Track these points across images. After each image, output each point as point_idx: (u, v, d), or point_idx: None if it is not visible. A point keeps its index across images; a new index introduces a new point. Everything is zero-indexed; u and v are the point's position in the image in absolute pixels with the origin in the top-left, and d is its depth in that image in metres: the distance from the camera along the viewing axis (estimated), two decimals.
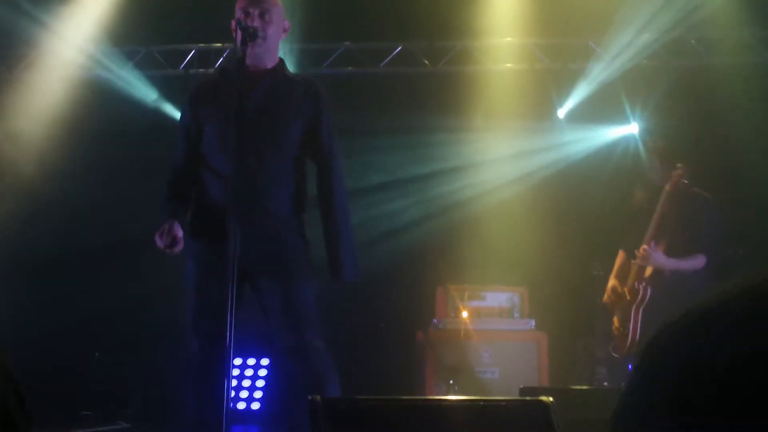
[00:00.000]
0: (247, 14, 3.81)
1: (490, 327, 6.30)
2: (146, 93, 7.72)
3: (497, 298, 6.49)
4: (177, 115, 7.56)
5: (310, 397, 2.80)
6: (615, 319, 5.47)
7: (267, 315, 3.91)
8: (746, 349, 0.70)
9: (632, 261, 5.36)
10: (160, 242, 3.73)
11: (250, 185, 3.67)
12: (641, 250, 5.20)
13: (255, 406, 6.36)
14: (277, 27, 3.89)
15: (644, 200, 5.53)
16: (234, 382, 5.84)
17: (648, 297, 5.23)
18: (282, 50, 7.46)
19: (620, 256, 5.65)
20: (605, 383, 6.09)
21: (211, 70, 7.49)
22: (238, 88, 3.58)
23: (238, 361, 6.21)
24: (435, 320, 6.37)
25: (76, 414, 6.48)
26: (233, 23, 3.82)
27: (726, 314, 0.73)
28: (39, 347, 6.66)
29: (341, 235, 3.89)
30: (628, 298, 5.32)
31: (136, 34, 7.55)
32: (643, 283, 5.27)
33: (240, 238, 3.43)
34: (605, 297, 5.55)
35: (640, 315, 5.27)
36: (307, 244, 3.94)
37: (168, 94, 7.72)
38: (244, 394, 6.35)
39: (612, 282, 5.54)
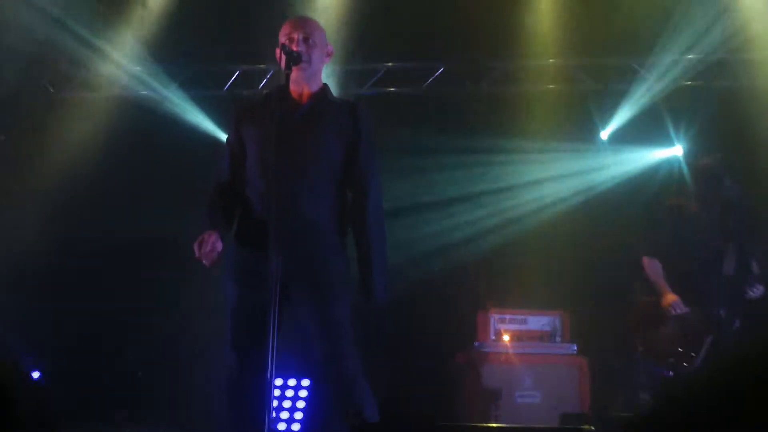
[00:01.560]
0: (291, 39, 3.86)
1: (532, 351, 6.26)
2: (191, 113, 7.80)
3: (538, 321, 6.45)
4: (220, 135, 7.65)
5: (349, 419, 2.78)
6: (664, 332, 5.30)
7: (304, 333, 3.92)
8: None
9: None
10: (198, 251, 3.74)
11: (293, 205, 3.71)
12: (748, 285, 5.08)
13: (295, 427, 6.36)
14: (320, 51, 3.93)
15: (701, 212, 5.33)
16: (274, 403, 5.84)
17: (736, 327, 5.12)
18: (325, 71, 7.56)
19: (656, 265, 5.41)
20: None
21: (255, 91, 7.57)
22: (281, 111, 3.63)
23: (278, 382, 6.22)
24: (476, 343, 6.34)
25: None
26: (277, 51, 3.86)
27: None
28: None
29: (373, 259, 3.86)
30: (699, 321, 5.19)
31: (182, 54, 7.64)
32: (724, 310, 5.15)
33: (281, 256, 3.44)
34: (669, 306, 5.28)
35: (708, 341, 5.16)
36: (348, 263, 3.94)
37: (212, 115, 7.79)
38: (284, 415, 6.35)
39: (673, 297, 5.29)
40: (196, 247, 3.73)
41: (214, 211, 3.89)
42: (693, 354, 5.15)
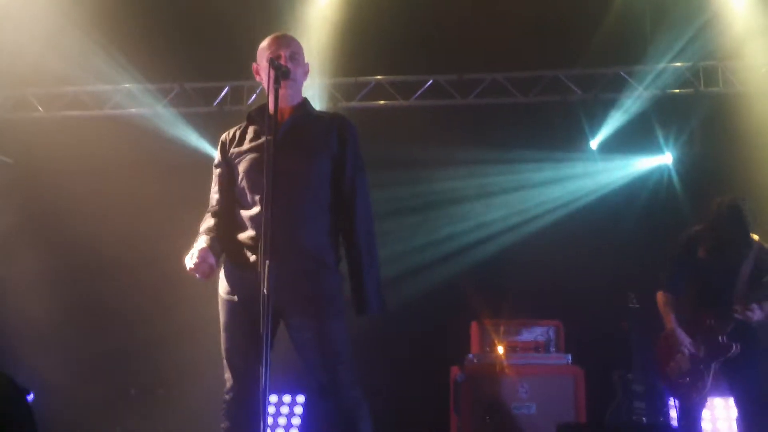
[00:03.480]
0: (277, 57, 3.85)
1: (526, 362, 6.24)
2: (181, 129, 7.80)
3: (533, 332, 6.43)
4: (210, 150, 7.66)
5: None
6: (674, 365, 5.33)
7: (300, 352, 3.91)
8: None
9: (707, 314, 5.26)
10: (189, 263, 3.70)
11: (282, 222, 3.66)
12: (743, 308, 5.09)
13: None
14: (303, 68, 3.97)
15: (715, 248, 5.35)
16: (269, 420, 5.82)
17: (737, 352, 5.12)
18: (315, 84, 7.58)
19: (668, 300, 5.45)
20: (643, 418, 6.01)
21: (244, 108, 7.58)
22: (268, 127, 3.63)
23: (273, 398, 6.20)
24: (470, 355, 6.32)
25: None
26: (255, 66, 3.92)
27: None
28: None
29: (364, 271, 3.84)
30: (705, 352, 5.20)
31: (170, 71, 7.65)
32: (724, 337, 5.16)
33: (273, 274, 3.42)
34: (677, 345, 5.35)
35: (715, 366, 5.16)
36: (342, 280, 3.93)
37: (201, 131, 7.79)
38: (280, 431, 6.33)
39: (681, 334, 5.34)
40: (187, 260, 3.73)
41: (207, 231, 3.90)
42: (700, 385, 5.19)
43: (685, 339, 5.26)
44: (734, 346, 5.12)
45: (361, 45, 7.48)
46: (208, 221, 3.91)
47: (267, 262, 3.38)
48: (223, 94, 7.92)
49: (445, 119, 7.80)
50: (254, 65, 3.94)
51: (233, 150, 3.93)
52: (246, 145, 3.89)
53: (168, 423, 6.83)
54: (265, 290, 3.36)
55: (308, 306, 3.80)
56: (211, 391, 4.58)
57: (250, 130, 3.93)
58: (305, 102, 3.98)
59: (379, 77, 7.82)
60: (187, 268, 3.68)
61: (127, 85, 7.74)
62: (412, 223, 7.45)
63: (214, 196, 3.99)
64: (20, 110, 7.92)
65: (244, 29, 6.72)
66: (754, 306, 5.09)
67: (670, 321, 5.31)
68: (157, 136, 7.68)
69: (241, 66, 7.64)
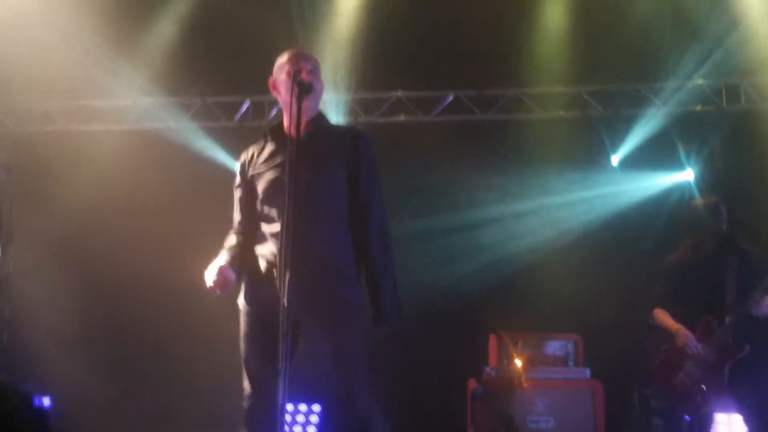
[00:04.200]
0: (299, 71, 3.89)
1: (545, 375, 6.22)
2: (201, 144, 7.85)
3: (551, 346, 6.41)
4: (231, 165, 7.71)
5: None
6: (683, 376, 5.32)
7: (315, 362, 3.93)
8: None
9: (709, 318, 5.26)
10: (209, 279, 3.76)
11: (301, 235, 3.65)
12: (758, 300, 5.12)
13: None
14: (321, 83, 4.00)
15: (697, 254, 5.43)
16: (286, 429, 5.83)
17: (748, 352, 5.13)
18: (336, 99, 7.63)
19: (665, 314, 5.50)
20: None
21: (265, 123, 7.63)
22: (290, 145, 3.69)
23: (289, 407, 6.20)
24: (488, 368, 6.31)
25: None
26: (271, 80, 3.98)
27: None
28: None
29: (380, 281, 3.88)
30: (715, 355, 5.19)
31: (191, 86, 7.71)
32: (731, 339, 5.16)
33: (291, 285, 3.45)
34: (684, 346, 5.34)
35: (727, 370, 5.15)
36: (362, 291, 3.96)
37: (223, 145, 7.84)
38: None
39: (688, 335, 5.35)
40: (206, 275, 3.76)
41: (229, 249, 3.94)
42: (713, 396, 5.17)
43: (692, 337, 5.26)
44: (745, 347, 5.11)
45: (382, 60, 7.52)
46: (231, 239, 3.98)
47: (288, 273, 3.43)
48: (244, 108, 7.97)
49: (466, 135, 7.82)
50: (271, 80, 4.00)
51: (252, 170, 4.00)
52: (264, 164, 3.96)
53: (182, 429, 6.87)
54: (285, 301, 3.41)
55: (325, 316, 3.83)
56: (227, 399, 4.61)
57: (268, 147, 4.00)
58: (321, 115, 4.03)
59: (399, 92, 7.85)
60: (207, 284, 3.74)
61: (149, 99, 7.80)
62: (431, 237, 7.45)
63: (236, 216, 4.07)
64: (40, 124, 7.99)
65: (266, 44, 6.77)
66: (765, 299, 5.09)
67: (673, 323, 5.34)
68: (179, 150, 7.73)
69: (262, 81, 7.71)
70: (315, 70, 3.94)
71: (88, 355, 7.15)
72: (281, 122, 3.97)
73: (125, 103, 7.89)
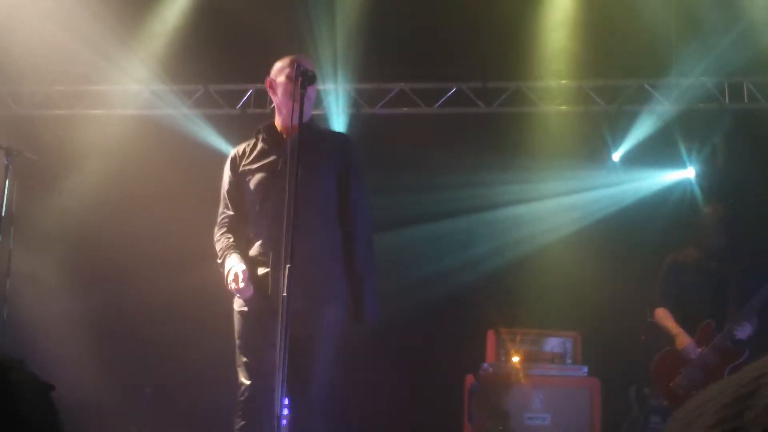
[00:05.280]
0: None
1: (542, 372, 6.22)
2: (203, 132, 7.83)
3: (549, 342, 6.42)
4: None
5: None
6: (681, 379, 5.34)
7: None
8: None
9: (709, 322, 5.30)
10: (234, 284, 3.90)
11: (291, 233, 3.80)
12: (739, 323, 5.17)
13: None
14: (315, 88, 4.16)
15: (700, 259, 5.47)
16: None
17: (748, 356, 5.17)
18: (338, 90, 7.60)
19: (666, 313, 5.54)
20: None
21: (267, 111, 7.61)
22: (291, 144, 3.85)
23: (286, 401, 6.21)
24: (485, 364, 6.31)
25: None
26: (268, 81, 4.16)
27: (716, 400, 0.80)
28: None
29: (365, 287, 4.05)
30: (714, 359, 5.22)
31: (194, 73, 7.68)
32: (730, 342, 5.21)
33: (283, 282, 3.60)
34: (683, 350, 5.38)
35: (726, 374, 5.18)
36: (344, 303, 4.09)
37: (225, 134, 7.82)
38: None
39: (687, 339, 5.39)
40: (230, 281, 3.91)
41: (234, 248, 4.04)
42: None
43: (690, 341, 5.30)
44: (745, 351, 5.14)
45: (385, 51, 7.49)
46: (227, 237, 4.09)
47: (288, 266, 3.54)
48: (246, 96, 7.94)
49: (468, 127, 7.80)
50: (268, 80, 4.17)
51: (243, 167, 4.12)
52: (256, 163, 4.10)
53: (182, 422, 6.86)
54: (284, 294, 3.52)
55: (309, 308, 3.90)
56: (224, 392, 4.61)
57: (259, 146, 4.13)
58: (312, 120, 4.21)
59: (402, 84, 7.83)
60: (231, 288, 3.92)
61: (152, 86, 7.78)
62: (430, 230, 7.44)
63: (226, 211, 4.16)
64: (44, 107, 7.97)
65: (269, 32, 6.76)
66: (746, 323, 5.16)
67: (673, 325, 5.38)
68: (181, 137, 7.71)
69: (265, 69, 7.70)
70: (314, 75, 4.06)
71: (83, 341, 7.14)
72: (273, 122, 4.14)
73: (128, 89, 7.86)
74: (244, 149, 4.18)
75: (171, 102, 7.80)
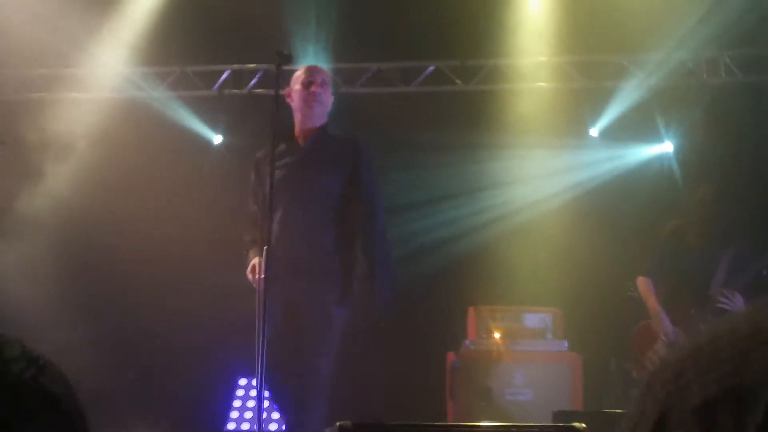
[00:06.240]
0: (310, 83, 4.43)
1: (523, 348, 6.24)
2: (179, 114, 7.77)
3: (530, 318, 6.43)
4: (210, 135, 7.67)
5: (339, 423, 2.93)
6: (652, 354, 5.38)
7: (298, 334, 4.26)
8: (720, 387, 0.76)
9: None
10: (252, 276, 4.25)
11: (296, 229, 4.27)
12: (730, 295, 5.19)
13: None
14: (330, 96, 4.54)
15: (683, 232, 5.48)
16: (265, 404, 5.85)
17: None
18: None
19: (649, 285, 5.55)
20: None
21: (245, 92, 7.57)
22: (289, 151, 4.43)
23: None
24: (466, 341, 6.33)
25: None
26: (287, 90, 4.51)
27: (712, 354, 0.78)
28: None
29: (378, 271, 4.31)
30: (686, 339, 5.25)
31: (170, 54, 7.62)
32: (710, 316, 5.24)
33: (287, 274, 4.04)
34: (659, 330, 5.42)
35: None
36: (347, 276, 4.32)
37: (202, 115, 7.77)
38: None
39: (665, 318, 5.41)
40: (249, 272, 4.28)
41: (252, 243, 4.42)
42: None
43: (668, 324, 5.32)
44: None
45: (363, 30, 7.46)
46: (252, 232, 4.49)
47: (265, 248, 3.75)
48: (224, 77, 7.88)
49: (447, 105, 7.79)
50: (287, 90, 4.54)
51: (263, 170, 4.46)
52: (275, 162, 4.38)
53: (172, 409, 6.84)
54: (262, 275, 3.76)
55: (310, 299, 4.28)
56: (214, 379, 4.63)
57: (279, 148, 4.44)
58: (326, 125, 4.53)
59: (380, 63, 7.80)
60: (252, 279, 4.27)
61: (127, 68, 7.71)
62: (410, 208, 7.43)
63: (251, 207, 4.58)
64: (18, 92, 7.89)
65: (247, 12, 6.71)
66: (737, 294, 5.17)
67: (654, 303, 5.40)
68: (158, 119, 7.65)
69: (242, 49, 7.66)
70: (325, 83, 4.50)
71: (60, 329, 7.09)
72: (293, 125, 4.51)
73: (101, 71, 7.78)
74: (266, 151, 4.45)
75: (147, 84, 7.74)
